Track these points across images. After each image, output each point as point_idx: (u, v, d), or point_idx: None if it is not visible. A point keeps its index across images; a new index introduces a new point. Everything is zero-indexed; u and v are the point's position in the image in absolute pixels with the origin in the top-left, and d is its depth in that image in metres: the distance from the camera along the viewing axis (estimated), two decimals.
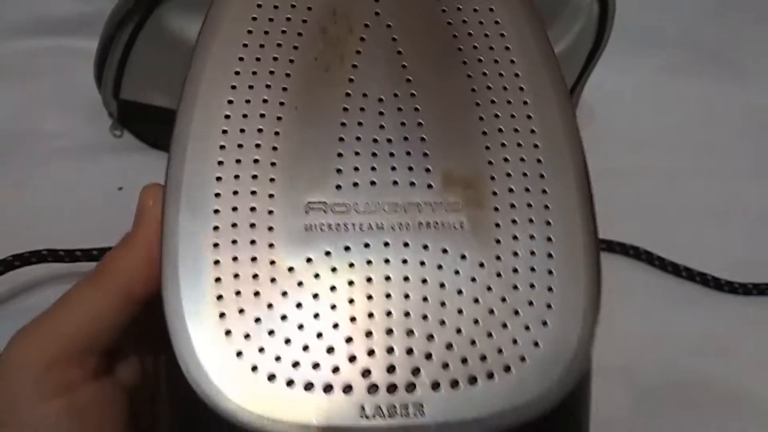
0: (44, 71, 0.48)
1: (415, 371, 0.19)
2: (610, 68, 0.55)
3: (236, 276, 0.20)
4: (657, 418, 0.42)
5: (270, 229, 0.20)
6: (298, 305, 0.20)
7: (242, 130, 0.21)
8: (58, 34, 0.50)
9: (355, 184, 0.21)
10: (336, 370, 0.19)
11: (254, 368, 0.19)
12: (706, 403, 0.43)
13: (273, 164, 0.21)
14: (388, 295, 0.20)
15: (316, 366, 0.19)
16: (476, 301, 0.20)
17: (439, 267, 0.20)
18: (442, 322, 0.20)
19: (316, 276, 0.20)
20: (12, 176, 0.42)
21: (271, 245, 0.20)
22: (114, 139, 0.44)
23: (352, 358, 0.19)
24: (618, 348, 0.44)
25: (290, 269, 0.20)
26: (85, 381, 0.21)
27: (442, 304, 0.20)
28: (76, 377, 0.21)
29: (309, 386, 0.19)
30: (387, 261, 0.20)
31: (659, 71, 0.63)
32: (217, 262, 0.20)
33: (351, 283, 0.20)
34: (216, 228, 0.20)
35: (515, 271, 0.21)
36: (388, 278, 0.20)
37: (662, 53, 0.64)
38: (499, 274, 0.21)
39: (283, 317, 0.19)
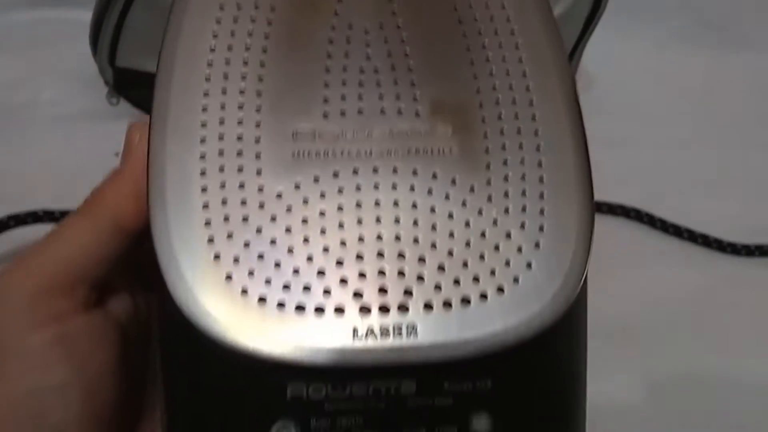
0: (41, 42, 0.48)
1: (407, 293, 0.19)
2: (609, 36, 0.54)
3: (224, 202, 0.20)
4: (657, 378, 0.42)
5: (257, 156, 0.20)
6: (288, 230, 0.19)
7: (227, 62, 0.21)
8: (55, 5, 0.50)
9: (343, 113, 0.21)
10: (327, 292, 0.19)
11: (244, 291, 0.19)
12: (707, 364, 0.43)
13: (259, 94, 0.21)
14: (378, 220, 0.20)
15: (306, 289, 0.19)
16: (467, 224, 0.20)
17: (429, 192, 0.20)
18: (434, 245, 0.20)
19: (305, 201, 0.20)
20: (9, 143, 0.43)
21: (258, 172, 0.20)
22: (110, 107, 0.44)
23: (343, 281, 0.19)
24: (618, 309, 0.44)
25: (278, 195, 0.20)
26: (76, 311, 0.21)
27: (433, 227, 0.20)
28: (67, 307, 0.21)
29: (300, 309, 0.19)
30: (376, 186, 0.20)
31: (659, 39, 0.63)
32: (204, 189, 0.20)
33: (340, 208, 0.20)
34: (203, 156, 0.20)
35: (506, 195, 0.20)
36: (377, 203, 0.20)
37: (662, 21, 0.64)
38: (489, 199, 0.20)
39: (273, 241, 0.19)
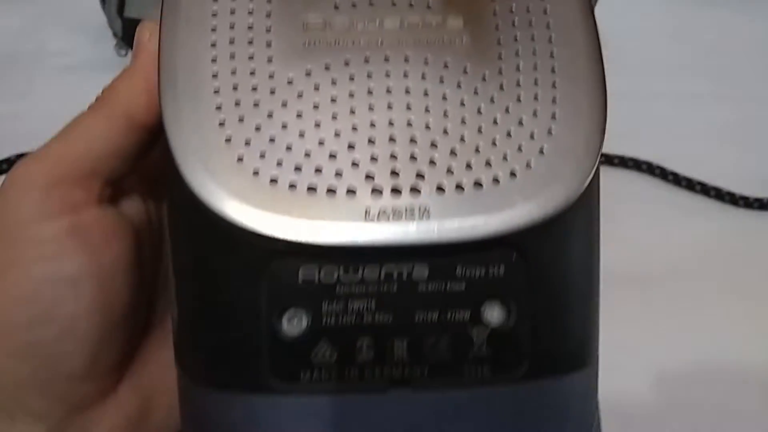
0: None
1: (420, 176, 0.19)
2: None
3: (235, 87, 0.20)
4: (668, 326, 0.42)
5: (268, 44, 0.20)
6: (299, 115, 0.19)
7: None
8: None
9: (353, 5, 0.21)
10: (338, 174, 0.19)
11: (255, 172, 0.19)
12: (717, 314, 0.42)
13: None
14: (390, 106, 0.20)
15: (318, 171, 0.19)
16: (479, 111, 0.20)
17: (441, 80, 0.20)
18: (445, 131, 0.20)
19: (316, 88, 0.20)
20: (17, 91, 0.43)
21: (269, 59, 0.20)
22: (118, 58, 0.44)
23: (355, 164, 0.19)
24: (630, 260, 0.43)
25: (289, 82, 0.20)
26: (90, 204, 0.21)
27: (445, 114, 0.20)
28: (81, 198, 0.21)
29: (311, 189, 0.19)
30: (387, 74, 0.20)
31: None
32: (215, 75, 0.20)
33: (351, 94, 0.20)
34: (213, 44, 0.20)
35: (518, 84, 0.20)
36: (389, 90, 0.20)
37: None
38: (501, 87, 0.20)
39: (284, 126, 0.19)
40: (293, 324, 0.19)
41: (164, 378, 0.23)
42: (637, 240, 0.45)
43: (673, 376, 0.41)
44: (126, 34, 0.44)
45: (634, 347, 0.39)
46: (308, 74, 0.20)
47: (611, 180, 0.48)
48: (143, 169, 0.23)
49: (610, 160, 0.48)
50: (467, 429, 0.20)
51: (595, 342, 0.21)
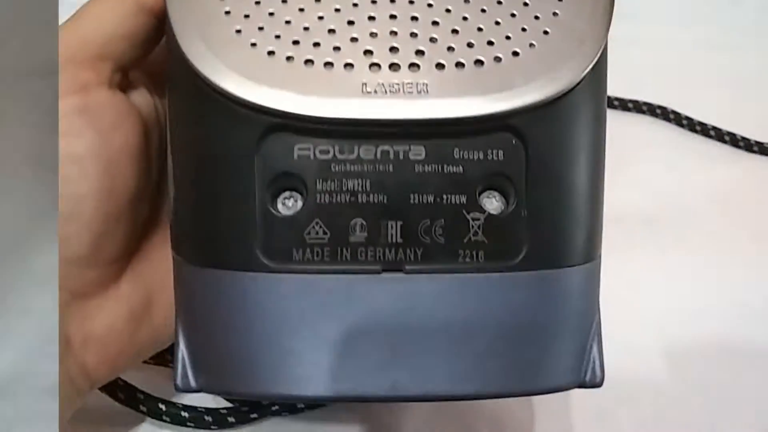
0: None
1: (419, 53, 0.19)
2: None
3: None
4: (680, 269, 0.41)
5: None
6: None
7: None
8: None
9: None
10: (337, 49, 0.19)
11: (254, 44, 0.19)
12: (731, 256, 0.42)
13: None
14: None
15: (316, 45, 0.19)
16: None
17: None
18: (448, 10, 0.19)
19: None
20: None
21: None
22: None
23: (354, 39, 0.19)
24: (644, 203, 0.43)
25: None
26: (100, 86, 0.21)
27: None
28: (90, 80, 0.21)
29: (309, 62, 0.18)
30: None
31: None
32: None
33: None
34: None
35: None
36: None
37: None
38: None
39: (284, 1, 0.19)
40: (287, 201, 0.19)
41: (168, 276, 0.23)
42: (651, 184, 0.45)
43: (681, 320, 0.41)
44: None
45: (644, 291, 0.39)
46: None
47: (625, 124, 0.47)
48: (152, 66, 0.23)
49: (624, 105, 0.48)
50: (461, 315, 0.19)
51: (597, 237, 0.21)
